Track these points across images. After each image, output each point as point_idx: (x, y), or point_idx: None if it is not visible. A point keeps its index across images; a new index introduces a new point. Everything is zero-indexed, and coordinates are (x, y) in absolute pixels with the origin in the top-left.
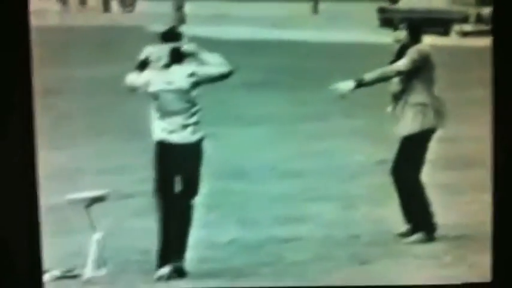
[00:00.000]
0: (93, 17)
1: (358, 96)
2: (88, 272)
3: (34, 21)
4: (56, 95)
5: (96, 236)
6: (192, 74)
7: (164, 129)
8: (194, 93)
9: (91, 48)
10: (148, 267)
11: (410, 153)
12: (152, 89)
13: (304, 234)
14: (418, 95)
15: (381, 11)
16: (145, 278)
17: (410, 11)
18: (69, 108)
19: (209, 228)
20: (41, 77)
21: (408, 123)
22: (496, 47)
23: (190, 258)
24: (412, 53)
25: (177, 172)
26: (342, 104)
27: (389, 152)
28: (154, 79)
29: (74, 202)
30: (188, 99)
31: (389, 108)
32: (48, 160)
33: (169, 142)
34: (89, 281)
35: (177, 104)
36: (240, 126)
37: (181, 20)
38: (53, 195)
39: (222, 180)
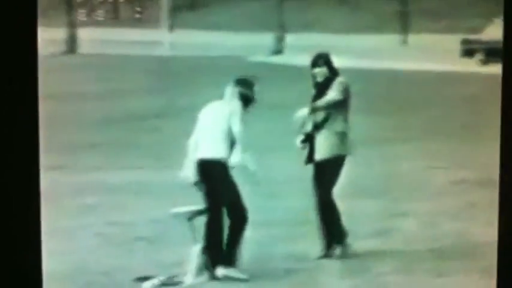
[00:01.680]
0: (191, 47)
1: (440, 123)
2: (189, 279)
3: (143, 50)
4: (160, 119)
5: (197, 246)
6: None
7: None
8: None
9: (191, 76)
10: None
11: (324, 175)
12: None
13: (386, 248)
14: (339, 124)
15: (465, 42)
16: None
17: (492, 42)
18: (173, 131)
19: (299, 243)
20: (147, 103)
21: (326, 149)
22: None
23: (278, 268)
24: (337, 85)
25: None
26: (425, 129)
27: (469, 172)
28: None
29: (178, 215)
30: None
31: (298, 142)
32: (152, 177)
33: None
34: None
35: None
36: None
37: (279, 50)
38: (155, 209)
39: (312, 198)
